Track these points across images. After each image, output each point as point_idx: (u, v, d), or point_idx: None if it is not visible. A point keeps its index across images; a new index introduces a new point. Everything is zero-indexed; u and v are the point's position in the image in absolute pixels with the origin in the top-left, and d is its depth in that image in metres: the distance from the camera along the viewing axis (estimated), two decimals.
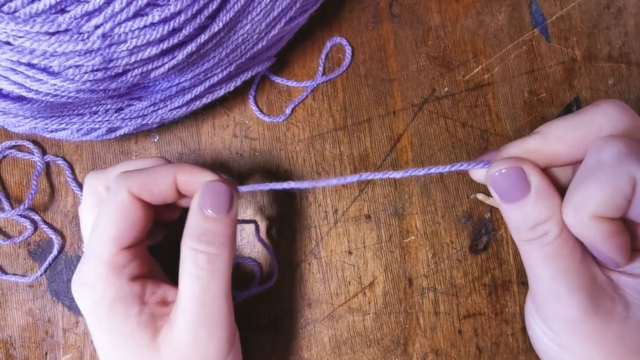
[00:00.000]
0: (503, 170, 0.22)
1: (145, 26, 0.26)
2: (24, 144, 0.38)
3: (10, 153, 0.38)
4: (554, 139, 0.22)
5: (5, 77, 0.26)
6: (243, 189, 0.27)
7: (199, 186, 0.26)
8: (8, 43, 0.24)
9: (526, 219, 0.22)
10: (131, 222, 0.26)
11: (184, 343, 0.25)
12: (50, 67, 0.25)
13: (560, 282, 0.21)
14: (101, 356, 0.27)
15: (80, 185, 0.38)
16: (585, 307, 0.21)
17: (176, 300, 0.26)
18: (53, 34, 0.24)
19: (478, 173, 0.25)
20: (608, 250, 0.20)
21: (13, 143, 0.38)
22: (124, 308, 0.25)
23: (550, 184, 0.22)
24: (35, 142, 0.38)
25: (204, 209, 0.26)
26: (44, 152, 0.38)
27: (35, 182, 0.37)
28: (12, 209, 0.37)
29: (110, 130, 0.33)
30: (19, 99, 0.27)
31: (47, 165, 0.38)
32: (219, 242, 0.25)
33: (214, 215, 0.25)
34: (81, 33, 0.25)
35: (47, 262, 0.37)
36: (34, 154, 0.37)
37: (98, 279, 0.26)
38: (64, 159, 0.38)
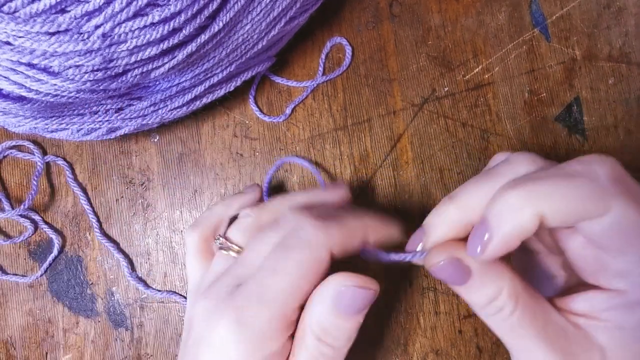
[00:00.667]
0: (441, 264, 0.22)
1: (145, 26, 0.26)
2: (24, 144, 0.38)
3: (11, 153, 0.38)
4: (471, 210, 0.22)
5: (5, 77, 0.26)
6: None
7: (338, 279, 0.23)
8: (8, 43, 0.24)
9: (477, 299, 0.22)
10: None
11: None
12: (51, 67, 0.25)
13: (531, 352, 0.21)
14: None
15: (81, 185, 0.38)
16: None
17: None
18: (53, 34, 0.24)
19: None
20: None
21: (13, 143, 0.38)
22: None
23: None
24: (35, 142, 0.38)
25: (338, 306, 0.23)
26: (44, 152, 0.38)
27: (35, 182, 0.37)
28: (13, 209, 0.37)
29: (111, 130, 0.33)
30: (19, 99, 0.27)
31: (48, 165, 0.38)
32: (346, 338, 0.24)
33: (348, 316, 0.23)
34: (81, 33, 0.25)
35: (47, 262, 0.37)
36: (34, 154, 0.37)
37: (268, 328, 0.23)
38: (64, 159, 0.38)
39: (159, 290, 0.37)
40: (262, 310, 0.23)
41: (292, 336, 0.24)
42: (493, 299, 0.21)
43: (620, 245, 0.19)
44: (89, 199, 0.38)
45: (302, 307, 0.24)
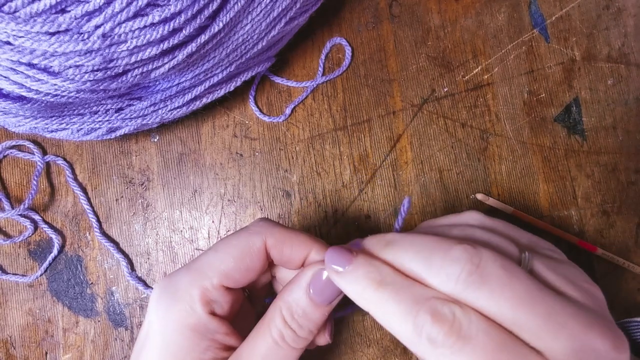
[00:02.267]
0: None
1: (145, 26, 0.26)
2: (24, 144, 0.38)
3: (11, 153, 0.38)
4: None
5: (5, 77, 0.26)
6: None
7: (316, 267, 0.25)
8: (8, 43, 0.25)
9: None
10: (247, 269, 0.25)
11: None
12: (51, 67, 0.25)
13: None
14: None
15: (81, 185, 0.38)
16: None
17: (239, 349, 0.25)
18: (53, 34, 0.24)
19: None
20: None
21: (13, 143, 0.38)
22: (194, 338, 0.25)
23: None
24: (35, 142, 0.38)
25: (312, 293, 0.25)
26: (44, 152, 0.38)
27: (35, 182, 0.37)
28: (13, 208, 0.37)
29: (111, 130, 0.33)
30: (20, 99, 0.27)
31: (47, 165, 0.38)
32: (309, 330, 0.25)
33: (318, 302, 0.25)
34: (81, 33, 0.25)
35: (47, 262, 0.37)
36: (35, 154, 0.37)
37: (185, 290, 0.25)
38: (64, 159, 0.38)
39: None
40: (183, 274, 0.25)
41: (221, 319, 0.25)
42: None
43: None
44: (88, 199, 0.38)
45: (229, 292, 0.26)
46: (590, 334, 0.19)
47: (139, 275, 0.38)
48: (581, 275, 0.23)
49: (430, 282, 0.21)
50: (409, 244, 0.22)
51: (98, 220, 0.38)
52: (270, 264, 0.27)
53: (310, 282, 0.25)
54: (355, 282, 0.22)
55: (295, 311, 0.25)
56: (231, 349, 0.26)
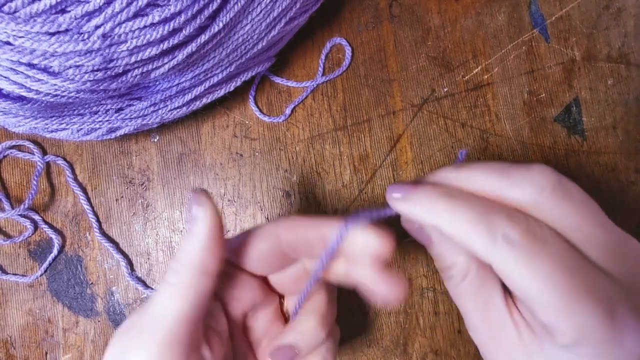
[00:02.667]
0: (415, 226, 0.24)
1: (145, 26, 0.26)
2: (24, 144, 0.38)
3: (11, 153, 0.38)
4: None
5: (5, 77, 0.26)
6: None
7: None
8: (8, 43, 0.25)
9: (436, 263, 0.25)
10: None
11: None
12: (51, 67, 0.25)
13: (468, 319, 0.24)
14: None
15: (81, 185, 0.38)
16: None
17: None
18: (53, 34, 0.24)
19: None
20: None
21: (13, 143, 0.38)
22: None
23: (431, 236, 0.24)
24: (35, 142, 0.38)
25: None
26: (44, 152, 0.38)
27: (35, 182, 0.37)
28: (13, 208, 0.37)
29: (111, 130, 0.33)
30: (19, 99, 0.27)
31: (47, 165, 0.38)
32: (187, 266, 0.22)
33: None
34: (81, 33, 0.25)
35: (47, 262, 0.37)
36: (35, 154, 0.37)
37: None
38: (64, 159, 0.38)
39: None
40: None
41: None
42: (447, 269, 0.23)
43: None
44: (88, 199, 0.38)
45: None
46: None
47: (139, 275, 0.38)
48: None
49: (510, 194, 0.21)
50: (480, 165, 0.22)
51: (98, 221, 0.38)
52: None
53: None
54: (423, 200, 0.22)
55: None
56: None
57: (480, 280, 0.23)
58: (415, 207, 0.22)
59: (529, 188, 0.20)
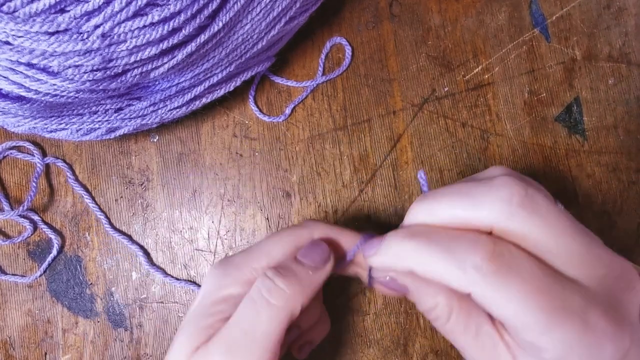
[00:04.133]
0: (386, 278, 0.25)
1: (145, 26, 0.26)
2: (24, 145, 0.38)
3: (11, 154, 0.38)
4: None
5: (4, 77, 0.26)
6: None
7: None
8: (8, 43, 0.24)
9: (419, 307, 0.25)
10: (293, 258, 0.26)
11: None
12: (50, 67, 0.25)
13: (465, 354, 0.23)
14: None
15: (84, 187, 0.38)
16: None
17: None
18: (53, 33, 0.24)
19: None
20: None
21: (14, 144, 0.38)
22: (218, 305, 0.25)
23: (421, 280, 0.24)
24: (35, 143, 0.38)
25: (299, 254, 0.26)
26: (44, 154, 0.38)
27: (34, 184, 0.37)
28: (12, 209, 0.37)
29: (110, 130, 0.33)
30: (19, 98, 0.27)
31: (47, 165, 0.38)
32: (287, 283, 0.24)
33: (304, 263, 0.25)
34: (81, 33, 0.25)
35: (46, 263, 0.37)
36: (35, 156, 0.37)
37: (234, 272, 0.26)
38: (64, 161, 0.38)
39: (177, 279, 0.37)
40: (239, 255, 0.27)
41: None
42: (430, 310, 0.23)
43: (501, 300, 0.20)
44: (93, 198, 0.38)
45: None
46: (625, 263, 0.21)
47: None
48: None
49: (477, 215, 0.21)
50: (444, 192, 0.22)
51: (107, 217, 0.38)
52: None
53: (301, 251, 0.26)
54: (389, 249, 0.23)
55: (280, 266, 0.25)
56: None
57: (465, 314, 0.23)
58: (385, 258, 0.23)
59: (497, 204, 0.21)
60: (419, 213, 0.23)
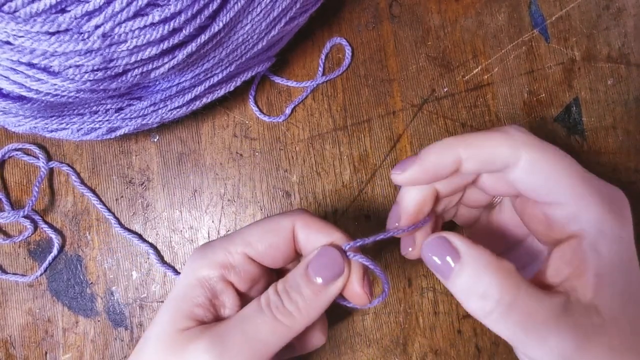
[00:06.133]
0: (430, 240, 0.24)
1: (145, 26, 0.26)
2: (30, 148, 0.38)
3: (15, 155, 0.38)
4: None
5: (5, 77, 0.26)
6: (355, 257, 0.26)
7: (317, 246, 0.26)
8: (8, 43, 0.25)
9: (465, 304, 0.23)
10: (270, 244, 0.26)
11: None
12: (51, 66, 0.25)
13: (531, 345, 0.21)
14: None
15: (90, 188, 0.38)
16: (571, 346, 0.20)
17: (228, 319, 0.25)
18: (53, 33, 0.24)
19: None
20: None
21: (20, 146, 0.38)
22: (195, 289, 0.26)
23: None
24: (40, 145, 0.38)
25: (310, 268, 0.25)
26: (49, 158, 0.38)
27: (37, 188, 0.37)
28: (13, 209, 0.37)
29: (111, 130, 0.33)
30: (19, 98, 0.27)
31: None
32: (298, 306, 0.24)
33: (313, 278, 0.25)
34: (81, 33, 0.25)
35: (47, 262, 0.37)
36: (39, 159, 0.37)
37: (210, 255, 0.26)
38: (69, 165, 0.38)
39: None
40: (218, 240, 0.27)
41: (227, 281, 0.26)
42: (481, 298, 0.22)
43: (548, 189, 0.22)
44: (99, 198, 0.38)
45: (252, 264, 0.27)
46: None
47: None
48: None
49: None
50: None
51: (115, 217, 0.38)
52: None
53: (310, 259, 0.25)
54: (438, 145, 0.24)
55: (290, 283, 0.25)
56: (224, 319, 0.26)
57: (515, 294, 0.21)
58: (436, 149, 0.24)
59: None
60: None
